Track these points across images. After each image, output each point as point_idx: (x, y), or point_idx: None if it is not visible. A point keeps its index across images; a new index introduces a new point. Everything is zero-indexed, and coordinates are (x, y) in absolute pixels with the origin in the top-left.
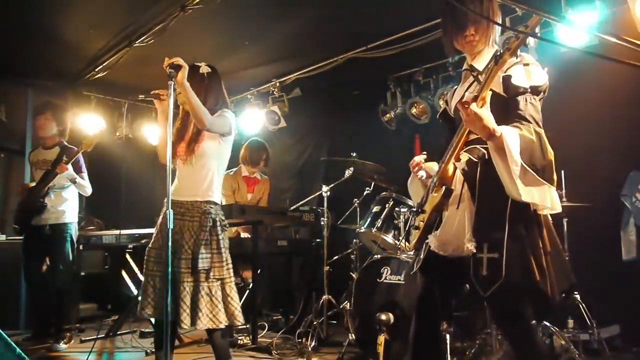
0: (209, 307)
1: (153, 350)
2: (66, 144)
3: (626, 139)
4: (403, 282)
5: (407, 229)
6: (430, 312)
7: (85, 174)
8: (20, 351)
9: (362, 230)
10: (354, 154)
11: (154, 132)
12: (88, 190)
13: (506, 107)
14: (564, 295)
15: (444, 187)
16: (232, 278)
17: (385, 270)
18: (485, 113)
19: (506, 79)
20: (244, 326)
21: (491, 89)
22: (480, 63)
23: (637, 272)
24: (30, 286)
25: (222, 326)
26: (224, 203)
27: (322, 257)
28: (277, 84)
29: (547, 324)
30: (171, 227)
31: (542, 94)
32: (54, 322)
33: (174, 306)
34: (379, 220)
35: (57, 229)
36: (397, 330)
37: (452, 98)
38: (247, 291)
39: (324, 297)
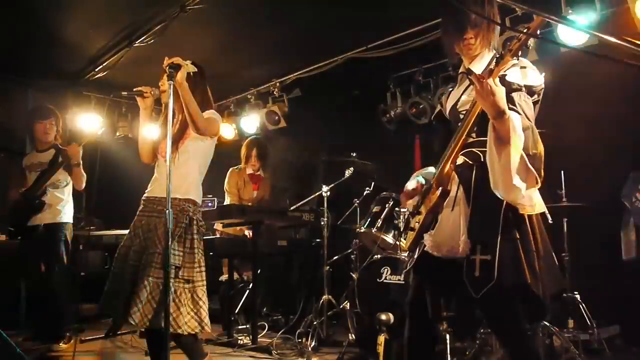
0: (170, 308)
1: None
2: (60, 145)
3: (626, 139)
4: (403, 282)
5: (404, 228)
6: (422, 313)
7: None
8: (20, 351)
9: (362, 230)
10: (354, 154)
11: (154, 132)
12: (83, 183)
13: None
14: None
15: (440, 189)
16: (204, 282)
17: (385, 270)
18: (499, 90)
19: (502, 78)
20: (244, 326)
21: None
22: (478, 66)
23: (637, 272)
24: (29, 287)
25: (179, 331)
26: (228, 201)
27: (322, 257)
28: (277, 84)
29: (547, 324)
30: (171, 226)
31: (536, 95)
32: (53, 322)
33: (125, 300)
34: (379, 220)
35: (51, 229)
36: (397, 330)
37: (448, 100)
38: (247, 291)
39: (324, 297)
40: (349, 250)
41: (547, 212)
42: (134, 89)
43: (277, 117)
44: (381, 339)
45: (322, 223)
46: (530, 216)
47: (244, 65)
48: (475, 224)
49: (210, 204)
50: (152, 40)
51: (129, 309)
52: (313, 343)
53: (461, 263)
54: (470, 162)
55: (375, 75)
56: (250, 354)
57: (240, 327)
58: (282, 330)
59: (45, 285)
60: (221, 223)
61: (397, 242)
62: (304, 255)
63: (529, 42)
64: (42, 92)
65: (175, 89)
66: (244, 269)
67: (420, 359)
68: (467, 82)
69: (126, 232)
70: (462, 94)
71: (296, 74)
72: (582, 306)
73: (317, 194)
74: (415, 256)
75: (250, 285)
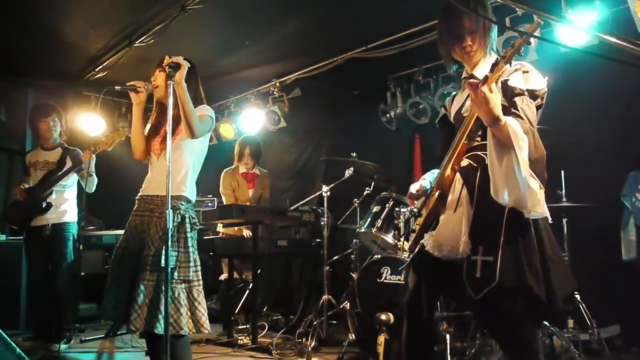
0: (170, 310)
1: None
2: (66, 144)
3: (626, 139)
4: (403, 282)
5: (407, 230)
6: (419, 312)
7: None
8: (20, 351)
9: (362, 230)
10: (354, 154)
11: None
12: (94, 187)
13: (505, 111)
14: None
15: (438, 192)
16: (200, 281)
17: (385, 270)
18: (494, 97)
19: (504, 83)
20: (244, 326)
21: None
22: (480, 71)
23: (637, 272)
24: (32, 286)
25: (182, 332)
26: (224, 202)
27: (322, 257)
28: (277, 84)
29: (547, 324)
30: (170, 226)
31: (539, 99)
32: (54, 322)
33: (125, 305)
34: (379, 220)
35: (58, 229)
36: (397, 330)
37: (452, 105)
38: (247, 291)
39: (324, 297)
40: (349, 250)
41: (547, 213)
42: (127, 84)
43: (277, 117)
44: (381, 339)
45: (322, 223)
46: (535, 219)
47: (244, 65)
48: (477, 225)
49: (210, 204)
50: (152, 40)
51: (128, 315)
52: (313, 343)
53: (461, 264)
54: (474, 164)
55: (375, 75)
56: (250, 354)
57: (240, 327)
58: (282, 330)
59: (51, 284)
60: (221, 223)
61: (397, 242)
62: (304, 255)
63: (530, 42)
64: (42, 92)
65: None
66: (244, 268)
67: (419, 359)
68: None
69: None
70: (466, 99)
71: (296, 74)
72: (582, 306)
73: (317, 194)
74: (413, 255)
75: (250, 285)
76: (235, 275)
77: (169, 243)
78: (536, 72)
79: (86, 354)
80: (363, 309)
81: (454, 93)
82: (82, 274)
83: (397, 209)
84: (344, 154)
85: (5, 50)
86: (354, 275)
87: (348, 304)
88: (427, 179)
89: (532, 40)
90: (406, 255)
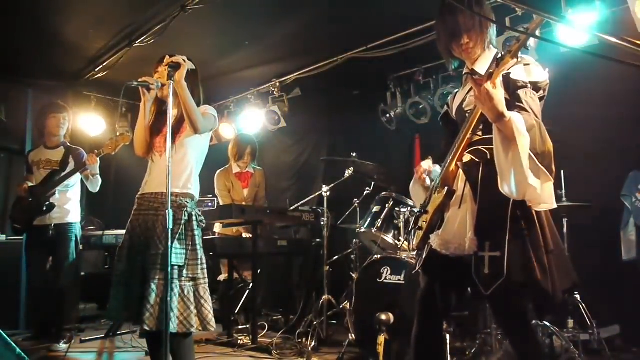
0: (180, 308)
1: None
2: (69, 144)
3: (626, 139)
4: (403, 282)
5: (408, 229)
6: (432, 311)
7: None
8: (20, 351)
9: (362, 230)
10: (354, 154)
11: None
12: (98, 187)
13: (508, 105)
14: (566, 294)
15: (446, 188)
16: (206, 279)
17: (385, 270)
18: (497, 93)
19: (506, 76)
20: (244, 326)
21: None
22: (481, 66)
23: (637, 272)
24: (32, 286)
25: (192, 330)
26: (220, 203)
27: (322, 257)
28: (277, 84)
29: (547, 324)
30: (170, 226)
31: (541, 91)
32: (54, 322)
33: (137, 305)
34: (379, 220)
35: (61, 229)
36: (397, 330)
37: (454, 101)
38: (247, 291)
39: (324, 297)
40: (349, 250)
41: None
42: (140, 79)
43: (277, 117)
44: (381, 339)
45: (322, 223)
46: (538, 212)
47: (244, 65)
48: (482, 221)
49: (210, 204)
50: (152, 40)
51: (141, 315)
52: (313, 343)
53: (469, 261)
54: (476, 159)
55: (375, 75)
56: (250, 354)
57: (240, 327)
58: (282, 330)
59: (52, 284)
60: (221, 223)
61: (397, 242)
62: (304, 255)
63: (530, 42)
64: (42, 92)
65: (173, 88)
66: (243, 269)
67: (428, 357)
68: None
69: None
70: (467, 94)
71: (296, 74)
72: (582, 306)
73: (317, 194)
74: (424, 256)
75: (250, 285)
76: (235, 275)
77: (170, 241)
78: (537, 64)
79: (86, 354)
80: (363, 309)
81: (456, 90)
82: (82, 274)
83: (397, 209)
84: (344, 154)
85: (5, 50)
86: (354, 275)
87: (348, 304)
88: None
89: (532, 40)
90: (409, 254)
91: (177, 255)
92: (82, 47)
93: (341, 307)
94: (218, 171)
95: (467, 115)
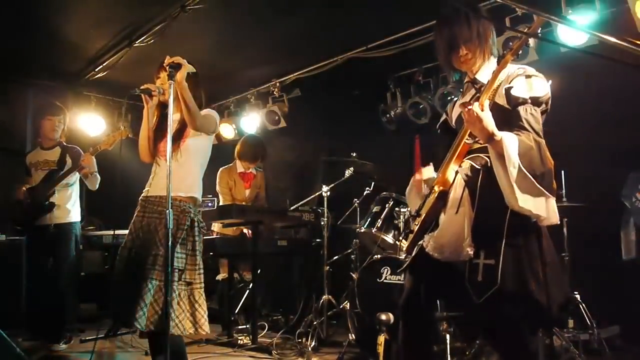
0: (176, 311)
1: None
2: (65, 143)
3: (626, 139)
4: (403, 282)
5: (406, 229)
6: (417, 314)
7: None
8: (20, 351)
9: (362, 230)
10: (354, 154)
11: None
12: (97, 185)
13: (508, 119)
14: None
15: (439, 190)
16: (201, 284)
17: (385, 270)
18: (486, 115)
19: (508, 91)
20: (244, 326)
21: (495, 101)
22: (483, 75)
23: (637, 272)
24: (34, 286)
25: (186, 333)
26: (221, 201)
27: (322, 257)
28: (277, 84)
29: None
30: (170, 226)
31: (543, 105)
32: (54, 322)
33: (130, 304)
34: (379, 220)
35: (62, 228)
36: (397, 330)
37: (453, 110)
38: (247, 291)
39: (324, 297)
40: (349, 250)
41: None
42: (142, 87)
43: (277, 117)
44: (381, 339)
45: (322, 223)
46: (536, 222)
47: (244, 65)
48: (479, 227)
49: (210, 204)
50: (152, 40)
51: (134, 313)
52: (313, 343)
53: (462, 266)
54: (476, 166)
55: (375, 75)
56: (250, 354)
57: (240, 327)
58: (282, 330)
59: (53, 284)
60: (220, 223)
61: (397, 242)
62: (304, 255)
63: (530, 42)
64: (42, 92)
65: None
66: (243, 269)
67: (415, 357)
68: (472, 92)
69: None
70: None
71: (296, 74)
72: (582, 306)
73: (317, 194)
74: (412, 255)
75: (250, 285)
76: (235, 275)
77: (169, 243)
78: (539, 76)
79: (86, 354)
80: (363, 309)
81: (455, 99)
82: (82, 274)
83: (397, 209)
84: (344, 154)
85: (5, 50)
86: (354, 275)
87: (348, 304)
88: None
89: (532, 40)
90: (404, 256)
91: (178, 258)
92: (82, 47)
93: (341, 307)
94: (221, 168)
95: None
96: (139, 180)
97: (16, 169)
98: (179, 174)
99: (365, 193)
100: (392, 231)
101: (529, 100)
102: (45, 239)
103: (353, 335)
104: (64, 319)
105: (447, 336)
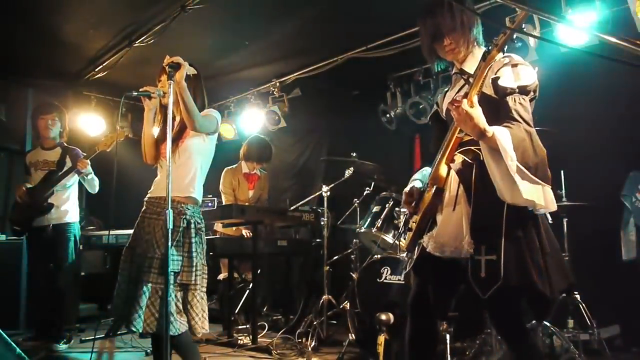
0: (172, 312)
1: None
2: (66, 144)
3: (626, 139)
4: (403, 282)
5: (402, 228)
6: (424, 313)
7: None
8: (20, 351)
9: (362, 230)
10: (354, 154)
11: (154, 132)
12: (97, 187)
13: (497, 109)
14: (563, 295)
15: (434, 188)
16: (199, 285)
17: (385, 270)
18: (476, 112)
19: (495, 81)
20: (244, 326)
21: (482, 91)
22: (469, 65)
23: (637, 272)
24: (32, 286)
25: (182, 331)
26: (224, 201)
27: (322, 257)
28: (277, 84)
29: (547, 324)
30: (170, 226)
31: (531, 93)
32: (54, 322)
33: (127, 306)
34: (379, 220)
35: (60, 229)
36: (397, 330)
37: (443, 101)
38: (247, 291)
39: (324, 297)
40: (349, 250)
41: (547, 213)
42: (141, 89)
43: (277, 117)
44: (381, 339)
45: (322, 223)
46: (533, 213)
47: (244, 65)
48: (478, 223)
49: (210, 204)
50: (152, 40)
51: (130, 315)
52: (313, 343)
53: (465, 263)
54: (469, 160)
55: (375, 75)
56: (250, 354)
57: (240, 327)
58: (282, 330)
59: (51, 285)
60: (221, 223)
61: (397, 242)
62: (304, 255)
63: (530, 42)
64: (42, 92)
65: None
66: (243, 269)
67: (421, 357)
68: (461, 83)
69: (126, 232)
70: (456, 94)
71: (296, 74)
72: (582, 306)
73: (317, 194)
74: (414, 257)
75: (250, 285)
76: (235, 275)
77: (170, 243)
78: (525, 63)
79: (86, 354)
80: (363, 309)
81: (445, 89)
82: (82, 274)
83: (397, 209)
84: (344, 154)
85: (5, 50)
86: (354, 275)
87: (348, 304)
88: (418, 179)
89: (532, 40)
90: (404, 255)
91: (173, 261)
92: (82, 47)
93: (341, 307)
94: (226, 169)
95: None
96: (140, 180)
97: (16, 169)
98: (177, 175)
99: (365, 193)
100: (392, 231)
101: (517, 90)
102: (43, 239)
103: (353, 335)
104: (63, 319)
105: (447, 336)
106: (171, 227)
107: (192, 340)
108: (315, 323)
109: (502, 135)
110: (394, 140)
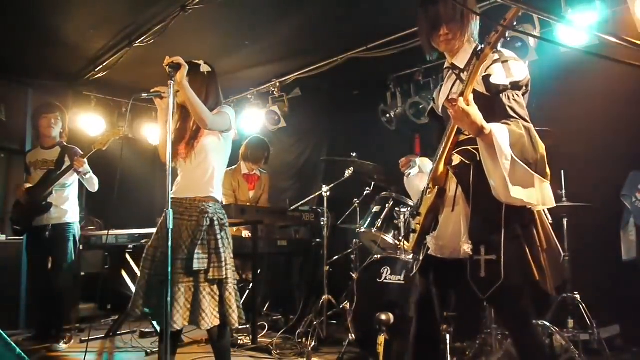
0: (208, 307)
1: (153, 350)
2: (65, 144)
3: (626, 139)
4: (403, 282)
5: (406, 230)
6: (429, 313)
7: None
8: (20, 351)
9: (362, 230)
10: (354, 154)
11: (154, 132)
12: (96, 186)
13: (491, 106)
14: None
15: (436, 188)
16: (229, 279)
17: (385, 270)
18: (473, 110)
19: (486, 79)
20: (244, 326)
21: (474, 89)
22: (460, 60)
23: (637, 272)
24: (32, 286)
25: (216, 323)
26: (224, 202)
27: (322, 257)
28: (277, 84)
29: (547, 323)
30: (171, 226)
31: (524, 88)
32: (54, 322)
33: (160, 305)
34: (379, 220)
35: (59, 229)
36: (397, 330)
37: (438, 97)
38: (247, 291)
39: (324, 297)
40: (349, 250)
41: (547, 211)
42: (152, 90)
43: (277, 117)
44: (381, 339)
45: (322, 223)
46: (531, 210)
47: (244, 65)
48: (476, 224)
49: None
50: (152, 40)
51: (171, 316)
52: (313, 343)
53: (466, 263)
54: (466, 161)
55: (375, 75)
56: (250, 354)
57: (240, 327)
58: (282, 330)
59: (51, 285)
60: None
61: (397, 242)
62: (304, 255)
63: (530, 42)
64: (42, 92)
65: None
66: (244, 269)
67: (425, 358)
68: (453, 78)
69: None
70: (450, 90)
71: (296, 74)
72: (582, 306)
73: (317, 194)
74: (420, 258)
75: (250, 285)
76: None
77: (170, 242)
78: (515, 58)
79: (86, 354)
80: (363, 309)
81: (440, 84)
82: (82, 274)
83: (397, 209)
84: (344, 154)
85: (5, 50)
86: (354, 275)
87: (348, 304)
88: (417, 164)
89: (532, 40)
90: (406, 256)
91: (199, 260)
92: (82, 47)
93: (341, 307)
94: (226, 170)
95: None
96: (139, 180)
97: (16, 168)
98: (196, 175)
99: (365, 193)
100: (392, 231)
101: (509, 86)
102: (43, 239)
103: (353, 335)
104: (63, 319)
105: (447, 336)
106: (171, 227)
107: (228, 338)
108: (315, 323)
109: (499, 133)
110: (394, 140)
